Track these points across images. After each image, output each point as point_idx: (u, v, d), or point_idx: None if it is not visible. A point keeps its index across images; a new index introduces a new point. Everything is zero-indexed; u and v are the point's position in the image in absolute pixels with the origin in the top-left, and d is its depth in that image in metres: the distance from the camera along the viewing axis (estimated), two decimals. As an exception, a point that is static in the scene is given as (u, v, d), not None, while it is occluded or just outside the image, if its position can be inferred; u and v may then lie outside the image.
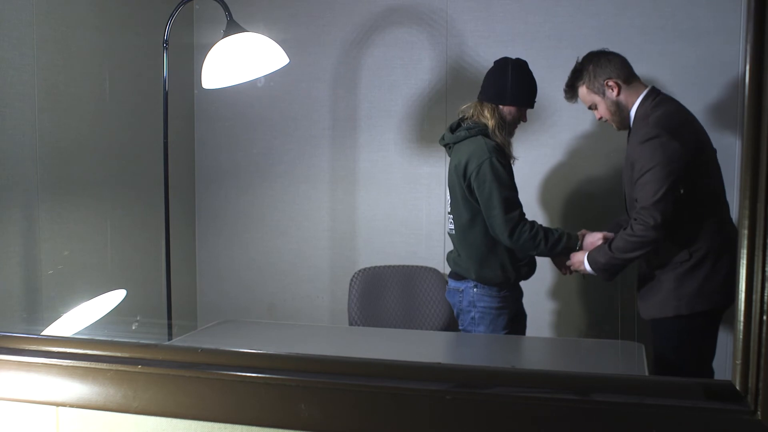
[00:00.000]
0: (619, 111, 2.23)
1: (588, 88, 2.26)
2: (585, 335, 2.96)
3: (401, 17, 3.05)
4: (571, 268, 2.35)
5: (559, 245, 2.33)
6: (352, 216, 3.18)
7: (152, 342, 1.06)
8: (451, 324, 2.87)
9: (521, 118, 2.41)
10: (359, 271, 2.98)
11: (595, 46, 2.44)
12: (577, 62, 2.28)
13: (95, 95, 2.69)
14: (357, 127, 3.15)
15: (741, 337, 0.83)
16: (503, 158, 2.34)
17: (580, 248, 2.34)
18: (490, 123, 2.34)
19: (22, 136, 2.32)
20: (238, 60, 2.28)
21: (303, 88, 3.19)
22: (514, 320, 2.47)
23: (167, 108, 2.51)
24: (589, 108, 2.32)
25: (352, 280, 2.94)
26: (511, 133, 2.41)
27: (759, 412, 0.82)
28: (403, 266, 3.04)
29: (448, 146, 2.45)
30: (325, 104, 3.18)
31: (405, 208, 3.11)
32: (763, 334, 0.81)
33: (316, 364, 0.98)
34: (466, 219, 2.38)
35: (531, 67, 2.39)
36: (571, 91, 2.30)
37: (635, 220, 2.12)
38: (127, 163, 2.85)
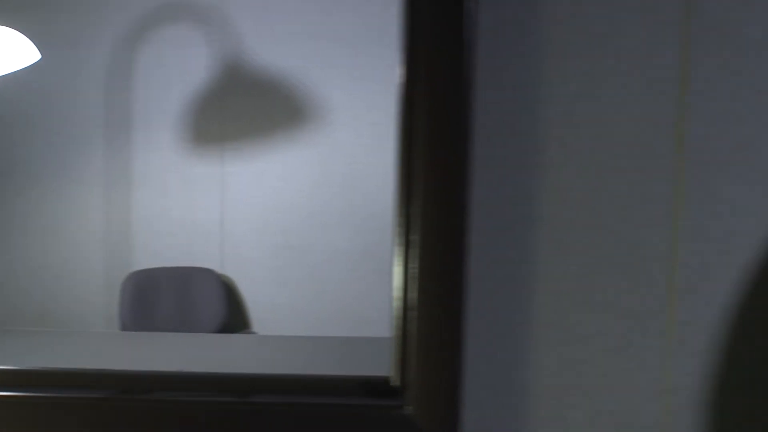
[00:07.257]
0: None
1: None
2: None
3: (176, 13, 2.98)
4: None
5: None
6: (126, 217, 3.07)
7: None
8: (226, 325, 2.85)
9: None
10: (132, 273, 2.88)
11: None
12: None
13: None
14: (131, 127, 3.04)
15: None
16: None
17: None
18: None
19: None
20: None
21: (72, 85, 3.03)
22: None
23: None
24: None
25: (123, 283, 2.84)
26: None
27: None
28: (178, 267, 2.98)
29: None
30: (97, 102, 3.04)
31: (181, 208, 3.04)
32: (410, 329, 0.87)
33: None
34: None
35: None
36: None
37: None
38: None
